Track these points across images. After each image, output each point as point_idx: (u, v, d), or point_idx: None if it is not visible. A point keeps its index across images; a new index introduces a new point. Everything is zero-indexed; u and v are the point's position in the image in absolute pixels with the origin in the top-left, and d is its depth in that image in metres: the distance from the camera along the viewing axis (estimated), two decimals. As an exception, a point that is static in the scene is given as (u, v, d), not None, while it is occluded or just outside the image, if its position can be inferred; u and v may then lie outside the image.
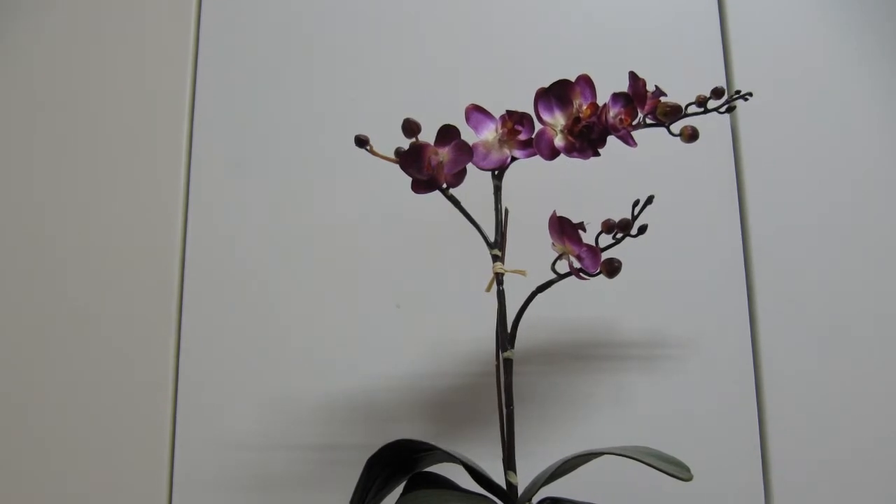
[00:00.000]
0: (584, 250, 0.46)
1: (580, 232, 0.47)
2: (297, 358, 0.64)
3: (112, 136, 0.68)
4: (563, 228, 0.46)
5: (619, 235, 0.47)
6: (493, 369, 0.64)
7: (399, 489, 0.46)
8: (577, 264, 0.46)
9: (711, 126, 0.69)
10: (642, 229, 0.47)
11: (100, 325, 0.63)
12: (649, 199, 0.47)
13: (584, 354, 0.65)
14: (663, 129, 0.50)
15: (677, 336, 0.65)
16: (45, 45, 0.70)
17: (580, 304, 0.65)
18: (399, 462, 0.46)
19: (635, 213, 0.47)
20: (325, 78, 0.70)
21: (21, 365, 0.62)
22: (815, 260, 0.67)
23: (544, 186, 0.65)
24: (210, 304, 0.64)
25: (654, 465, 0.41)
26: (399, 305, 0.65)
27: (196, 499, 0.60)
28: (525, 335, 0.65)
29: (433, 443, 0.60)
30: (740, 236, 0.68)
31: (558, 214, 0.47)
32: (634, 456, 0.42)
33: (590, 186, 0.65)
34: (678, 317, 0.65)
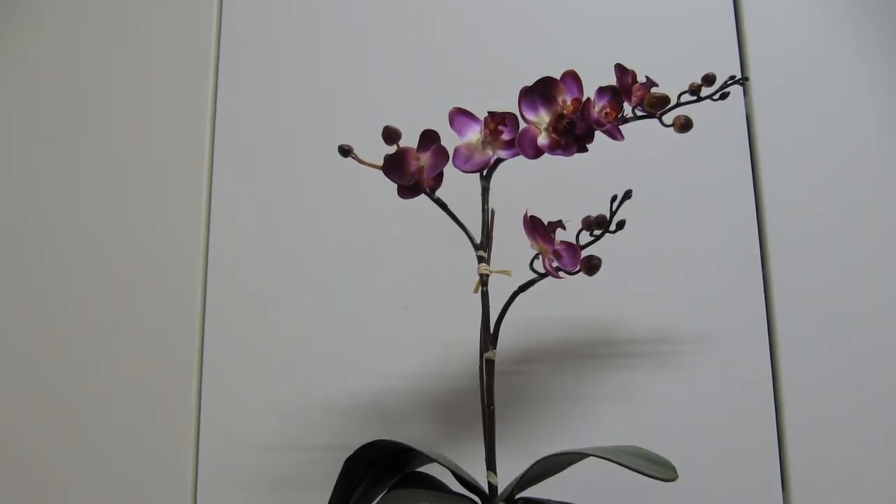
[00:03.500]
0: (563, 248, 0.46)
1: (560, 230, 0.47)
2: (313, 361, 0.66)
3: (133, 141, 0.71)
4: (535, 227, 0.45)
5: (598, 232, 0.46)
6: (501, 369, 0.64)
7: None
8: (555, 263, 0.45)
9: (726, 116, 0.67)
10: (620, 225, 0.46)
11: (126, 333, 0.67)
12: (627, 194, 0.46)
13: (592, 353, 0.64)
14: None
15: (691, 332, 0.63)
16: (59, 44, 0.74)
17: (588, 302, 0.64)
18: (388, 462, 0.47)
19: (613, 208, 0.46)
20: (339, 85, 0.72)
21: (49, 370, 0.67)
22: (835, 253, 0.64)
23: (551, 184, 0.64)
24: (230, 311, 0.67)
25: (633, 466, 0.41)
26: (407, 308, 0.66)
27: (219, 497, 0.63)
28: (531, 334, 0.65)
29: (443, 442, 0.60)
30: (756, 228, 0.65)
31: (530, 214, 0.46)
32: (607, 457, 0.41)
33: (598, 182, 0.63)
34: (691, 312, 0.64)
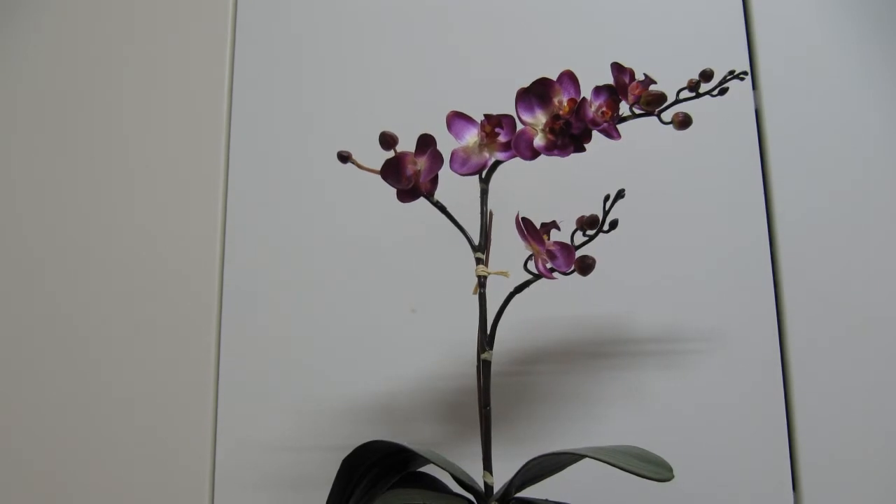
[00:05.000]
0: (557, 248, 0.46)
1: (555, 231, 0.47)
2: (324, 364, 0.67)
3: (151, 146, 0.73)
4: (527, 229, 0.46)
5: (591, 232, 0.46)
6: (507, 370, 0.65)
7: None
8: (549, 264, 0.46)
9: (735, 111, 0.66)
10: (613, 224, 0.46)
11: (146, 339, 0.69)
12: (619, 194, 0.46)
13: (600, 352, 0.63)
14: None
15: (699, 331, 0.62)
16: (70, 55, 0.75)
17: (596, 301, 0.64)
18: (390, 462, 0.48)
19: (606, 208, 0.46)
20: (346, 93, 0.73)
21: (72, 374, 0.69)
22: (845, 249, 0.62)
23: (556, 184, 0.64)
24: (245, 317, 0.69)
25: (627, 466, 0.40)
26: (414, 310, 0.67)
27: (235, 496, 0.65)
28: (537, 334, 0.65)
29: (451, 441, 0.61)
30: (766, 225, 0.64)
31: (527, 215, 0.46)
32: (601, 457, 0.41)
33: (605, 180, 0.63)
34: (700, 311, 0.63)
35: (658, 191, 0.66)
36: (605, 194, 0.48)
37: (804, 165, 0.65)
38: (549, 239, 0.46)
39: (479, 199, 0.51)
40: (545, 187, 0.65)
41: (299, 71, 0.74)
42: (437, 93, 0.71)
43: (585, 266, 0.45)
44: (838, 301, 0.62)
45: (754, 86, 0.67)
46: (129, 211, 0.72)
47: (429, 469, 0.50)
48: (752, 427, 0.60)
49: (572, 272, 0.45)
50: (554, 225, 0.47)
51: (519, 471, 0.43)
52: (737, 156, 0.66)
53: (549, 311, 0.64)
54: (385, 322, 0.67)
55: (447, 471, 0.46)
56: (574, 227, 0.47)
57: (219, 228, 0.71)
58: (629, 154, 0.65)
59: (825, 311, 0.62)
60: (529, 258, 0.46)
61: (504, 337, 0.64)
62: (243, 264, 0.70)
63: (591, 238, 0.46)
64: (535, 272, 0.46)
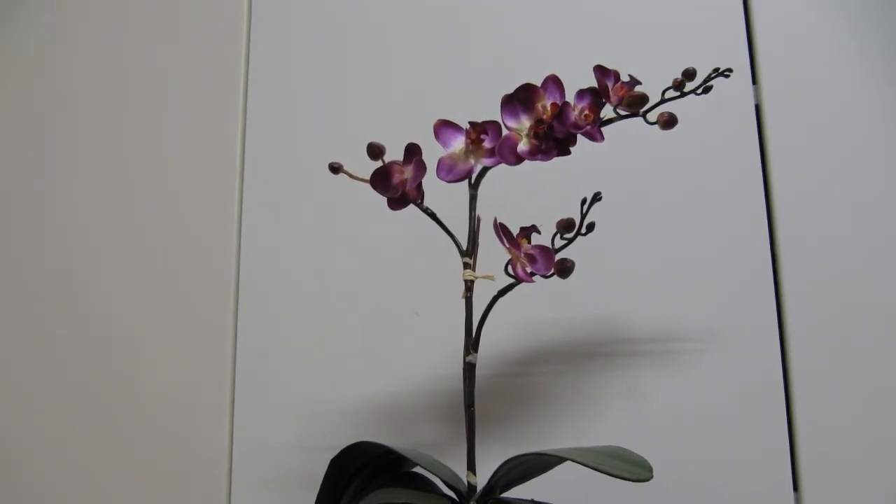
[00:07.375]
0: (537, 252, 0.46)
1: (534, 234, 0.48)
2: (333, 367, 0.69)
3: (164, 153, 0.76)
4: (504, 234, 0.46)
5: (569, 235, 0.46)
6: (505, 371, 0.65)
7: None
8: (528, 268, 0.46)
9: (735, 106, 0.65)
10: (590, 227, 0.46)
11: (165, 343, 0.72)
12: (596, 196, 0.46)
13: (598, 352, 0.63)
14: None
15: (698, 330, 0.62)
16: (86, 69, 0.78)
17: (595, 301, 0.64)
18: (383, 463, 0.50)
19: (583, 211, 0.46)
20: (361, 103, 0.75)
21: (94, 375, 0.72)
22: (846, 248, 0.61)
23: (554, 186, 0.64)
24: (259, 323, 0.71)
25: (603, 468, 0.41)
26: (418, 313, 0.68)
27: (251, 496, 0.67)
28: (536, 336, 0.65)
29: (452, 441, 0.62)
30: (766, 223, 0.63)
31: (499, 220, 0.47)
32: (577, 458, 0.41)
33: (604, 181, 0.63)
34: (699, 309, 0.62)
35: (657, 189, 0.66)
36: (603, 193, 0.49)
37: (805, 162, 0.63)
38: (528, 242, 0.47)
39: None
40: (544, 190, 0.65)
41: (312, 78, 0.76)
42: (452, 95, 0.72)
43: (564, 269, 0.46)
44: (839, 300, 0.60)
45: (754, 81, 0.66)
46: (143, 215, 0.75)
47: (422, 469, 0.51)
48: (752, 427, 0.59)
49: (552, 275, 0.46)
50: (534, 229, 0.47)
51: (498, 471, 0.44)
52: (737, 152, 0.65)
53: (547, 311, 0.65)
54: (390, 325, 0.69)
55: (431, 472, 0.47)
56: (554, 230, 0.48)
57: (234, 238, 0.73)
58: (628, 153, 0.65)
59: (826, 310, 0.60)
60: (510, 262, 0.47)
61: (502, 338, 0.65)
62: (257, 276, 0.72)
63: (570, 241, 0.47)
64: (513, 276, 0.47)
